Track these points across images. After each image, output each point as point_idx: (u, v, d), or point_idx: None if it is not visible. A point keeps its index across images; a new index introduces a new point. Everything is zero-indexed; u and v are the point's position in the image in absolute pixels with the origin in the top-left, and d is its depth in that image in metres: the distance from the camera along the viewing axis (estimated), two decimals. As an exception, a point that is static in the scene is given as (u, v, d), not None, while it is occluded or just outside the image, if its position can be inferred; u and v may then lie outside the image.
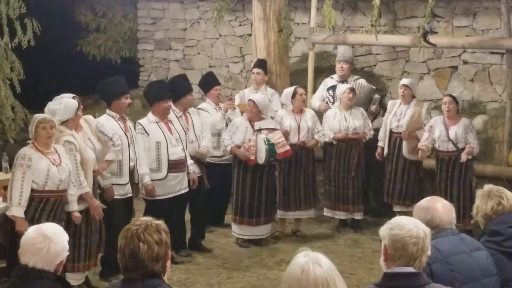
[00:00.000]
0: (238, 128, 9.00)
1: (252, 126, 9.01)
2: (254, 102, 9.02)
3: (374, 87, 10.29)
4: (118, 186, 7.78)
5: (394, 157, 9.63)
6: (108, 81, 8.07)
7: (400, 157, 9.59)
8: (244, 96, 10.10)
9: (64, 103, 7.22)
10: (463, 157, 8.93)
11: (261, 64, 10.35)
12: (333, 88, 10.27)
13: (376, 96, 10.13)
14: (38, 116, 6.89)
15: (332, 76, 10.49)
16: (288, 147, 9.02)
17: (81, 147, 7.17)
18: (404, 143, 9.49)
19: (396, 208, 9.55)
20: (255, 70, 10.30)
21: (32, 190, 6.77)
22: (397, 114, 9.59)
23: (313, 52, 11.00)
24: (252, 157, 8.83)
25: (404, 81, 9.78)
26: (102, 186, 7.62)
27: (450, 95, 9.27)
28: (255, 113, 9.02)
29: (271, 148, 8.80)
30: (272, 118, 9.42)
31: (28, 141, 6.98)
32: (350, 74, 10.41)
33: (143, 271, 3.49)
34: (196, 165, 8.79)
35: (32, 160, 6.74)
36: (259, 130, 8.97)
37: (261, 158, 8.83)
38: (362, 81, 10.29)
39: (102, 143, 7.60)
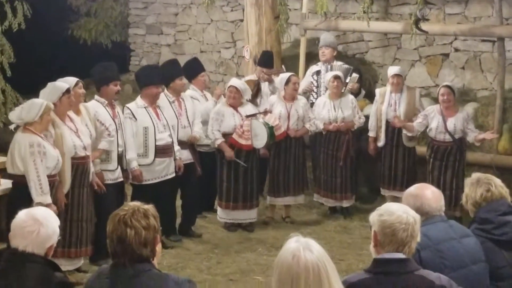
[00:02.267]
0: (224, 116, 8.97)
1: (238, 112, 9.00)
2: (236, 88, 8.99)
3: (351, 67, 10.28)
4: (108, 171, 7.79)
5: (394, 147, 9.61)
6: (99, 66, 8.05)
7: (399, 146, 9.57)
8: None
9: (51, 87, 7.21)
10: (481, 137, 8.93)
11: (270, 62, 10.10)
12: (317, 73, 10.29)
13: (354, 75, 10.10)
14: (43, 101, 6.83)
15: (318, 63, 10.48)
16: (283, 129, 9.07)
17: (59, 134, 7.11)
18: (404, 131, 9.43)
19: (398, 194, 9.31)
20: (265, 69, 9.98)
21: None
22: (392, 104, 9.56)
23: (304, 38, 11.01)
24: (249, 142, 8.84)
25: (395, 69, 9.69)
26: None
27: (447, 86, 9.11)
28: (238, 98, 9.00)
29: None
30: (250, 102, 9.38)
31: (12, 126, 6.94)
32: (334, 59, 10.39)
33: (131, 256, 3.49)
34: (188, 150, 8.80)
35: (45, 147, 6.75)
36: (253, 115, 8.97)
37: (261, 142, 8.84)
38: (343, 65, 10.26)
39: (98, 132, 7.61)
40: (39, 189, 6.70)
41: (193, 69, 9.58)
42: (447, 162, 9.05)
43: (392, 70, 9.70)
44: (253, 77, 10.08)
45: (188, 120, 8.88)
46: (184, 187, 8.89)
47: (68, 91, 7.19)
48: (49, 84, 7.26)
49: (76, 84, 7.46)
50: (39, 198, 6.68)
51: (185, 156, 8.74)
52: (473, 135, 8.96)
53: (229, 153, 8.90)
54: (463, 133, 9.01)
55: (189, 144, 8.84)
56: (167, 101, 8.65)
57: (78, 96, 7.50)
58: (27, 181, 6.72)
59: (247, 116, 8.94)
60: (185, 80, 9.03)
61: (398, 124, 9.32)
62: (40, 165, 6.71)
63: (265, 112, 9.16)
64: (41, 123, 6.78)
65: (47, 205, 6.53)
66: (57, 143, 7.06)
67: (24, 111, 6.82)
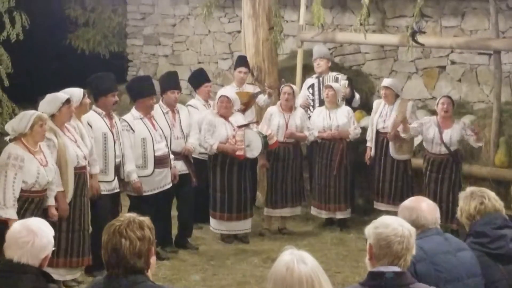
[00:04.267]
0: (216, 126, 8.94)
1: (229, 122, 9.01)
2: (228, 98, 9.01)
3: (339, 75, 10.31)
4: (105, 182, 7.76)
5: (382, 157, 9.64)
6: (97, 76, 8.04)
7: (388, 156, 9.60)
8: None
9: (50, 97, 7.18)
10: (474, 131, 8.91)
11: (246, 62, 10.28)
12: (312, 86, 10.32)
13: (343, 81, 10.13)
14: (34, 112, 6.78)
15: (313, 75, 10.51)
16: (276, 138, 9.12)
17: (62, 144, 7.08)
18: (390, 143, 9.49)
19: (386, 208, 9.42)
20: (243, 69, 10.15)
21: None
22: (383, 115, 9.59)
23: (301, 50, 11.03)
24: (242, 152, 8.84)
25: (385, 82, 9.76)
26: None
27: (448, 97, 9.21)
28: (229, 108, 9.02)
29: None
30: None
31: (7, 138, 6.86)
32: (328, 71, 10.41)
33: (125, 267, 3.48)
34: (183, 162, 8.79)
35: (24, 161, 6.63)
36: (246, 124, 8.98)
37: (255, 151, 8.85)
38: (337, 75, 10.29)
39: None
40: (1, 202, 6.60)
41: (198, 79, 9.77)
42: (443, 175, 9.07)
43: (383, 82, 9.78)
44: (231, 87, 10.08)
45: (182, 131, 8.87)
46: (179, 198, 8.88)
47: (68, 101, 7.15)
48: (48, 95, 7.23)
49: (84, 95, 7.51)
50: (7, 211, 6.56)
51: (179, 167, 8.73)
52: (472, 139, 8.97)
53: (231, 148, 8.87)
54: (460, 145, 9.03)
55: (183, 155, 8.83)
56: (161, 112, 8.66)
57: (86, 106, 7.58)
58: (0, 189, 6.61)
59: (239, 127, 8.95)
60: (177, 94, 8.96)
61: (393, 132, 9.31)
62: (10, 177, 6.59)
63: (257, 122, 9.26)
64: (31, 135, 6.71)
65: (6, 220, 6.42)
66: (61, 152, 7.03)
67: (16, 122, 6.80)
